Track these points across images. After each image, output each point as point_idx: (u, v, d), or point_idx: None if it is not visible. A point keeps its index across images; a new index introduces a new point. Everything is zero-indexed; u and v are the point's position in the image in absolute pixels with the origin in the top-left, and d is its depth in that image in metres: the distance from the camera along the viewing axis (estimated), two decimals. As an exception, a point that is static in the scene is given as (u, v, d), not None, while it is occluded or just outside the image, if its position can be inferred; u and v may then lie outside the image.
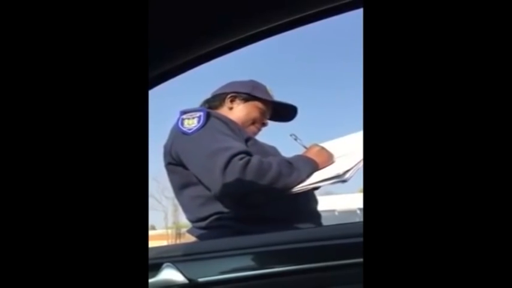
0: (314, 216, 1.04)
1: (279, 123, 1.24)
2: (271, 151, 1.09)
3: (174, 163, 1.02)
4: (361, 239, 0.42)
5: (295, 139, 1.14)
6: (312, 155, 1.00)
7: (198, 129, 0.97)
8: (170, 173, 1.05)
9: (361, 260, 0.43)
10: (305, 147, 1.07)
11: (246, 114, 1.14)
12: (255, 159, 0.91)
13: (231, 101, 1.15)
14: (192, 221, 1.02)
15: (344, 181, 0.90)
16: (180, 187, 1.03)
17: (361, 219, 0.60)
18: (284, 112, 1.21)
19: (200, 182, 0.97)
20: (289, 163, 0.95)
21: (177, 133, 1.01)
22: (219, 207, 0.96)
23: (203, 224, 0.98)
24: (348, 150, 1.01)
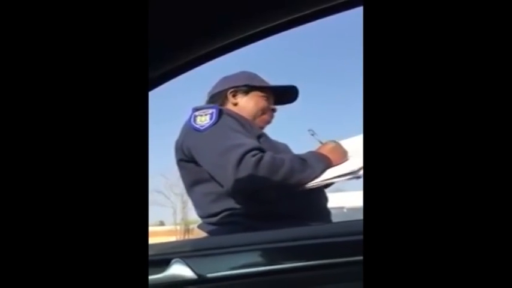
0: (324, 213, 1.04)
1: (292, 120, 1.23)
2: (283, 148, 1.09)
3: (185, 159, 1.03)
4: None
5: (312, 134, 1.13)
6: (325, 151, 0.99)
7: (210, 126, 0.98)
8: (181, 169, 1.05)
9: None
10: (321, 142, 1.07)
11: (253, 105, 1.14)
12: (267, 156, 0.91)
13: (233, 96, 1.15)
14: (202, 217, 1.02)
15: (358, 177, 0.90)
16: (192, 183, 1.03)
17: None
18: (286, 95, 1.20)
19: (212, 179, 0.98)
20: (302, 159, 0.94)
21: (190, 130, 1.01)
22: (229, 203, 0.96)
23: (214, 220, 0.98)
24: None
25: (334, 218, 1.06)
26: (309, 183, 0.93)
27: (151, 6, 0.45)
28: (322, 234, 0.78)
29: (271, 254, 0.76)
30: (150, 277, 0.75)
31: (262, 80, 1.18)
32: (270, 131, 1.19)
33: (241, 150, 0.90)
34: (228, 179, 0.90)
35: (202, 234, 1.00)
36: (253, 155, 0.90)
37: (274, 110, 1.19)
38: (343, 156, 1.00)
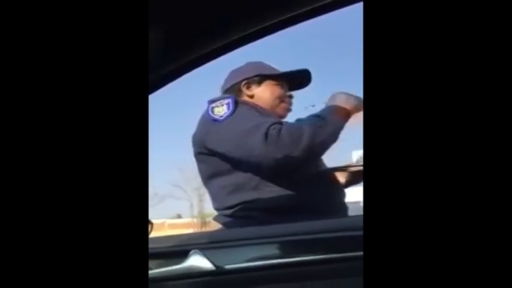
0: (341, 207, 1.04)
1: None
2: None
3: (204, 152, 1.03)
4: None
5: (313, 106, 1.10)
6: (339, 102, 0.99)
7: (228, 116, 0.98)
8: (200, 162, 1.06)
9: None
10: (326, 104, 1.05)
11: (270, 94, 1.12)
12: (286, 125, 0.92)
13: (247, 88, 1.13)
14: (218, 210, 1.04)
15: None
16: (209, 176, 1.04)
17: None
18: (299, 79, 1.18)
19: (231, 170, 0.98)
20: (318, 116, 0.95)
21: (208, 121, 1.01)
22: (245, 196, 0.97)
23: (229, 212, 0.99)
24: None
25: (351, 212, 1.05)
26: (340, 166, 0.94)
27: (151, 6, 0.45)
28: (338, 228, 0.78)
29: (288, 247, 0.77)
30: (169, 268, 0.77)
31: (272, 68, 1.16)
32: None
33: (263, 127, 0.90)
34: (257, 156, 0.91)
35: (218, 226, 1.02)
36: (274, 128, 0.91)
37: (291, 97, 1.17)
38: (359, 103, 0.99)
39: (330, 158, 1.06)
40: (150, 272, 0.77)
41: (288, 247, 0.77)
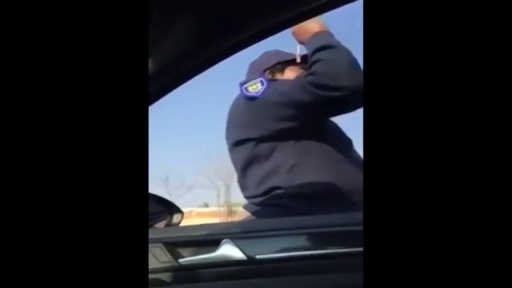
0: None
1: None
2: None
3: (242, 139, 1.03)
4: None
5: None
6: (315, 31, 1.03)
7: (265, 90, 0.99)
8: (235, 152, 1.06)
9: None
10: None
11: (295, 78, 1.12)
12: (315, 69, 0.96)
13: (272, 77, 1.13)
14: (249, 198, 1.03)
15: None
16: (244, 165, 1.04)
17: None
18: None
19: (270, 152, 0.99)
20: (323, 48, 0.97)
21: (244, 102, 1.02)
22: (278, 181, 0.96)
23: (260, 200, 0.99)
24: None
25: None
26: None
27: (151, 5, 0.45)
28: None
29: (320, 239, 0.77)
30: (201, 256, 0.78)
31: (290, 53, 1.16)
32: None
33: (302, 79, 0.96)
34: (303, 104, 0.95)
35: (246, 215, 1.02)
36: (310, 76, 0.95)
37: None
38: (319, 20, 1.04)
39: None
40: (182, 260, 0.79)
41: (320, 239, 0.77)
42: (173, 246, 0.81)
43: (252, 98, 1.00)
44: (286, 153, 0.98)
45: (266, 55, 1.17)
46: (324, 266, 0.75)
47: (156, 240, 0.81)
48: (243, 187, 1.06)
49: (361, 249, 0.72)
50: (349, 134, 1.13)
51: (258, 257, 0.76)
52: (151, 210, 1.05)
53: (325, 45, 0.97)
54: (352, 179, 0.94)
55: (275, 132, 0.98)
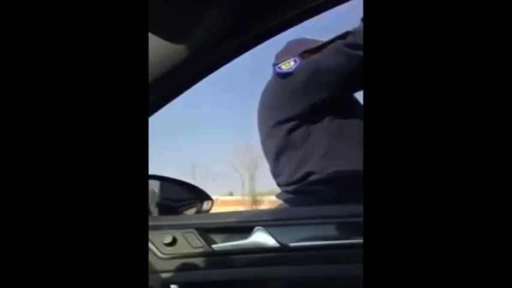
0: None
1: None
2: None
3: (275, 122, 1.02)
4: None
5: None
6: None
7: (299, 66, 0.98)
8: (269, 134, 1.05)
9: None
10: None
11: None
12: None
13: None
14: (283, 185, 1.03)
15: None
16: (278, 152, 1.03)
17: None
18: None
19: (305, 137, 0.98)
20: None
21: (278, 80, 1.01)
22: (312, 166, 0.95)
23: (293, 187, 0.98)
24: None
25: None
26: None
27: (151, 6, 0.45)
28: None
29: (352, 228, 0.76)
30: (233, 242, 0.79)
31: (314, 40, 1.14)
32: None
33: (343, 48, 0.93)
34: (339, 71, 0.93)
35: (280, 203, 1.01)
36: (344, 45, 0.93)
37: None
38: None
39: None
40: (214, 245, 0.80)
41: (353, 228, 0.76)
42: (206, 232, 0.82)
43: (286, 75, 0.99)
44: (320, 137, 0.97)
45: (292, 44, 1.15)
46: (356, 256, 0.74)
47: (189, 226, 0.82)
48: (277, 174, 1.05)
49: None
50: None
51: (290, 244, 0.76)
52: (183, 197, 1.07)
53: None
54: None
55: (310, 107, 0.96)
